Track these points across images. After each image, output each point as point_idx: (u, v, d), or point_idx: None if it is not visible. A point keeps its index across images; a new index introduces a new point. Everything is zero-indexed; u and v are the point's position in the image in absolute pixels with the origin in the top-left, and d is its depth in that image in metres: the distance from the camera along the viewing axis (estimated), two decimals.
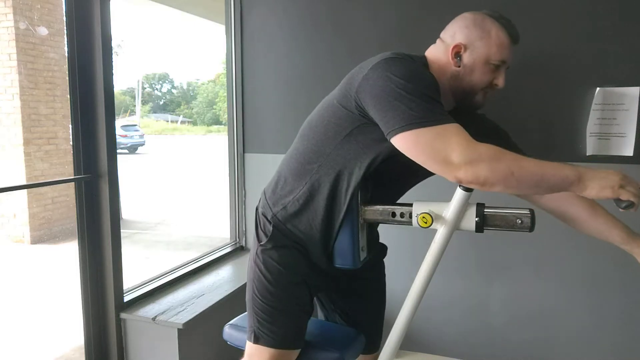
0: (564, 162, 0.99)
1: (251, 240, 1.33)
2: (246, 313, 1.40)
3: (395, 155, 1.07)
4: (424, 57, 1.20)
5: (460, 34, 1.15)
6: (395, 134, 0.99)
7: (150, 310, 1.62)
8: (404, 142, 0.99)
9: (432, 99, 1.01)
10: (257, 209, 1.28)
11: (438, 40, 1.21)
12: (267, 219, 1.22)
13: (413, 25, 1.95)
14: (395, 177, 1.24)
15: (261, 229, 1.23)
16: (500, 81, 1.16)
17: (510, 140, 1.35)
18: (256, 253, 1.22)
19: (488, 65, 1.14)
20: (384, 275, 1.45)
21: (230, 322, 1.39)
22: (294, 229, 1.20)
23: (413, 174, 1.21)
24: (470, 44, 1.13)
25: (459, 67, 1.15)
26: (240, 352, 1.37)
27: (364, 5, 1.99)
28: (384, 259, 1.46)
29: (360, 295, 1.38)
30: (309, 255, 1.22)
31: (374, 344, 1.41)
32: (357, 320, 1.37)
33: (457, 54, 1.14)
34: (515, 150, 1.27)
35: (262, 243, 1.20)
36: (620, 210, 0.98)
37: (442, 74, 1.16)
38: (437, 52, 1.19)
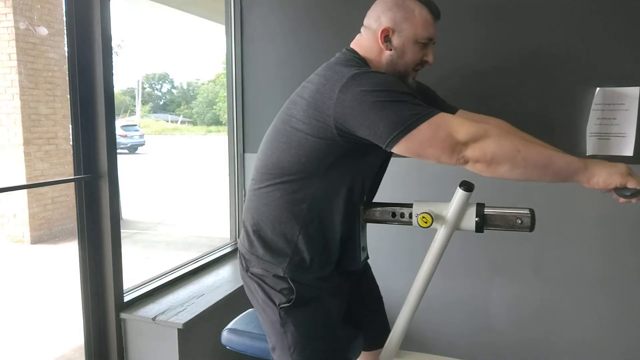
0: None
1: (250, 297, 1.26)
2: (245, 313, 1.40)
3: (377, 160, 1.10)
4: (357, 54, 1.19)
5: (385, 17, 1.15)
6: (396, 142, 0.99)
7: (150, 310, 1.62)
8: (407, 146, 0.99)
9: (410, 95, 1.02)
10: (246, 270, 1.21)
11: (363, 29, 1.21)
12: (276, 278, 1.15)
13: None
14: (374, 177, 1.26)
15: (270, 288, 1.16)
16: (430, 57, 1.19)
17: (438, 96, 1.42)
18: (280, 317, 1.14)
19: (417, 44, 1.16)
20: (371, 270, 1.45)
21: (228, 326, 1.38)
22: (313, 269, 1.16)
23: (382, 170, 1.29)
24: (396, 26, 1.15)
25: (391, 50, 1.16)
26: (240, 355, 1.36)
27: (364, 5, 1.98)
28: (382, 260, 1.46)
29: (359, 296, 1.38)
30: (328, 277, 1.21)
31: (383, 338, 1.40)
32: (360, 320, 1.37)
33: (386, 37, 1.15)
34: (446, 106, 1.38)
35: (282, 305, 1.14)
36: (621, 200, 0.98)
37: (379, 63, 1.18)
38: (367, 43, 1.19)
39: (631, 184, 0.94)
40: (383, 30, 1.15)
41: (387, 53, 1.16)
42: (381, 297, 1.44)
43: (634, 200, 0.96)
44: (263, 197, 1.16)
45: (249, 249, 1.19)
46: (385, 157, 1.26)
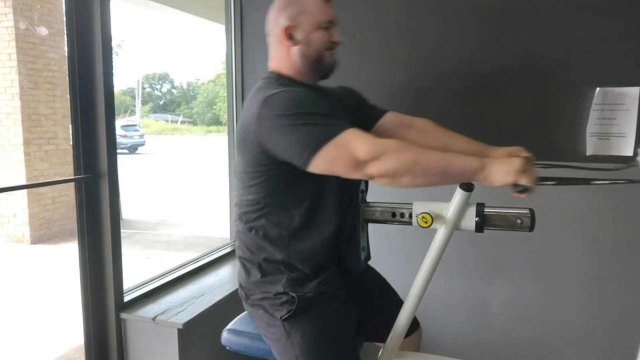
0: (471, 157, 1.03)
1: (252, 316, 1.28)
2: (245, 314, 1.40)
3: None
4: (274, 72, 1.24)
5: (282, 18, 1.20)
6: (309, 162, 1.03)
7: (150, 310, 1.62)
8: (318, 165, 1.03)
9: (317, 114, 1.06)
10: (246, 299, 1.25)
11: (268, 40, 1.26)
12: (277, 295, 1.17)
13: (413, 24, 1.95)
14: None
15: (272, 307, 1.18)
16: (336, 37, 1.23)
17: (365, 99, 1.46)
18: (285, 331, 1.16)
19: (319, 30, 1.20)
20: (374, 270, 1.46)
21: (228, 326, 1.39)
22: (311, 278, 1.18)
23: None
24: (294, 21, 1.19)
25: (297, 45, 1.20)
26: (240, 356, 1.37)
27: (364, 5, 1.99)
28: (382, 260, 1.46)
29: (368, 295, 1.38)
30: (329, 281, 1.21)
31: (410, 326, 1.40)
32: (378, 317, 1.36)
33: (289, 35, 1.19)
34: (374, 110, 1.42)
35: (284, 317, 1.16)
36: (513, 195, 1.02)
37: (292, 61, 1.22)
38: (274, 50, 1.25)
39: (522, 181, 0.97)
40: (284, 30, 1.19)
41: (295, 48, 1.20)
42: (393, 291, 1.44)
43: (522, 196, 1.00)
44: (247, 232, 1.22)
45: (247, 277, 1.23)
46: None
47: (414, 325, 1.42)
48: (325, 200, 1.17)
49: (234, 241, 2.32)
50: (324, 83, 1.31)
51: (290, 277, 1.17)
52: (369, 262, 1.41)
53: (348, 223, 1.22)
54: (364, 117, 1.39)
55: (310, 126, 1.03)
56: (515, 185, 0.99)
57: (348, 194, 1.23)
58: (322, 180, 1.14)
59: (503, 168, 0.98)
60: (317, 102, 1.13)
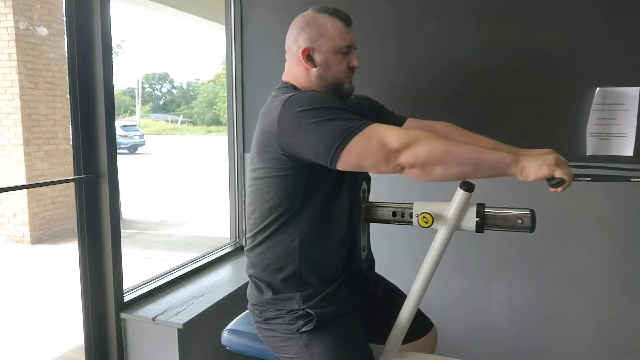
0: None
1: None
2: (245, 314, 1.40)
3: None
4: (289, 84, 1.24)
5: (301, 39, 1.20)
6: (336, 159, 1.01)
7: (150, 310, 1.62)
8: (346, 160, 1.01)
9: (340, 109, 1.05)
10: (260, 315, 1.23)
11: (286, 55, 1.26)
12: (292, 311, 1.17)
13: (413, 25, 1.95)
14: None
15: (288, 323, 1.17)
16: (354, 62, 1.23)
17: (383, 107, 1.48)
18: (304, 344, 1.15)
19: (338, 54, 1.20)
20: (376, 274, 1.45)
21: (228, 326, 1.39)
22: (324, 290, 1.18)
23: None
24: (314, 44, 1.19)
25: (316, 67, 1.20)
26: (240, 356, 1.36)
27: (364, 5, 1.99)
28: (382, 260, 1.46)
29: (377, 301, 1.38)
30: (340, 292, 1.21)
31: (423, 326, 1.42)
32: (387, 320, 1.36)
33: (308, 57, 1.20)
34: (394, 117, 1.44)
35: (303, 330, 1.15)
36: (550, 189, 1.01)
37: (310, 82, 1.22)
38: (293, 67, 1.24)
39: (557, 174, 0.96)
40: (303, 51, 1.20)
41: (313, 70, 1.21)
42: (400, 293, 1.43)
43: (559, 189, 0.99)
44: (260, 248, 1.21)
45: (259, 296, 1.22)
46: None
47: (427, 326, 1.43)
48: (338, 205, 1.17)
49: (234, 241, 2.34)
50: None
51: (304, 294, 1.17)
52: (374, 264, 1.41)
53: (352, 223, 1.22)
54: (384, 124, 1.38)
55: (336, 121, 1.01)
56: (550, 179, 0.98)
57: (354, 196, 1.23)
58: (337, 185, 1.15)
59: (537, 162, 0.97)
60: (338, 101, 1.11)
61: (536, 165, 0.96)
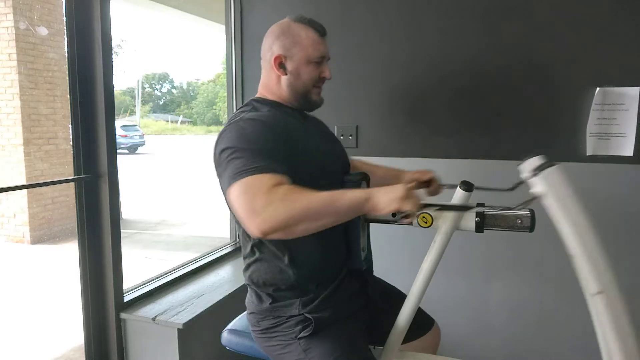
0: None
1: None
2: (244, 314, 1.40)
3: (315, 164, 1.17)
4: (259, 98, 1.26)
5: (275, 46, 1.22)
6: (227, 194, 1.03)
7: (150, 310, 1.62)
8: (229, 198, 1.03)
9: (255, 149, 1.04)
10: (258, 324, 1.23)
11: (262, 62, 1.28)
12: (291, 317, 1.17)
13: (413, 25, 1.96)
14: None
15: (287, 329, 1.17)
16: (326, 73, 1.25)
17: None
18: (302, 349, 1.14)
19: (310, 64, 1.21)
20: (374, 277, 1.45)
21: (228, 326, 1.39)
22: (322, 294, 1.18)
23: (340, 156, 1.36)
24: (287, 52, 1.21)
25: (287, 74, 1.22)
26: (240, 356, 1.36)
27: (365, 5, 1.99)
28: (382, 260, 1.46)
29: (377, 304, 1.37)
30: (339, 294, 1.22)
31: (424, 325, 1.42)
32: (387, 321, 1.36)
33: (280, 64, 1.21)
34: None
35: (301, 336, 1.15)
36: (397, 222, 1.08)
37: (280, 89, 1.24)
38: (266, 74, 1.27)
39: (405, 207, 0.98)
40: (276, 58, 1.21)
41: (284, 78, 1.23)
42: (399, 293, 1.43)
43: (407, 220, 1.06)
44: (252, 269, 1.23)
45: (259, 304, 1.22)
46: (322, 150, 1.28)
47: (429, 324, 1.42)
48: None
49: (234, 241, 2.33)
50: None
51: (303, 300, 1.17)
52: (372, 265, 1.40)
53: (350, 224, 1.22)
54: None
55: (244, 159, 1.02)
56: (399, 212, 1.02)
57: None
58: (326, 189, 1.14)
59: (387, 197, 0.98)
60: (266, 138, 1.09)
61: (386, 200, 0.98)
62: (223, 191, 1.08)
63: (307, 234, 1.00)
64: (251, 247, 1.21)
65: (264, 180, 0.99)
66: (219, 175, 1.09)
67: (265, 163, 1.01)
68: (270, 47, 1.23)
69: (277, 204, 0.95)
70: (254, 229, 0.96)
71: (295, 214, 0.96)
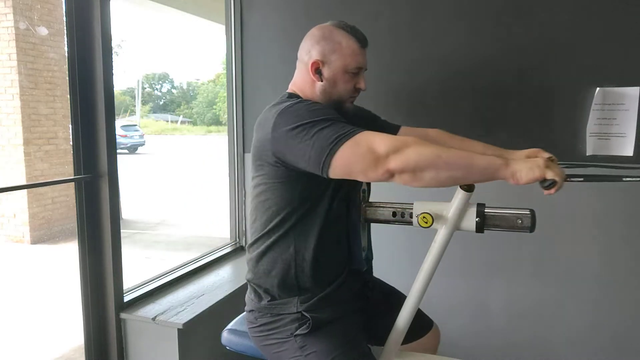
0: None
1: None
2: (244, 314, 1.40)
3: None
4: (292, 93, 1.24)
5: (314, 50, 1.19)
6: (327, 166, 1.01)
7: (150, 310, 1.62)
8: (336, 167, 1.01)
9: (332, 118, 1.04)
10: (255, 321, 1.23)
11: (297, 63, 1.26)
12: (289, 314, 1.17)
13: (412, 26, 1.95)
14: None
15: (284, 327, 1.18)
16: (362, 85, 1.23)
17: (377, 116, 1.49)
18: (299, 347, 1.14)
19: (347, 73, 1.19)
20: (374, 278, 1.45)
21: (228, 326, 1.39)
22: (322, 293, 1.18)
23: None
24: (325, 58, 1.18)
25: (322, 81, 1.20)
26: (240, 356, 1.36)
27: (365, 6, 1.99)
28: (382, 260, 1.46)
29: (376, 305, 1.37)
30: (338, 293, 1.21)
31: (424, 326, 1.42)
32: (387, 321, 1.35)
33: (317, 70, 1.19)
34: (387, 125, 1.44)
35: (298, 333, 1.15)
36: (544, 192, 1.01)
37: (314, 94, 1.22)
38: (300, 76, 1.24)
39: (549, 176, 0.96)
40: (313, 63, 1.19)
41: (319, 84, 1.20)
42: (398, 294, 1.44)
43: (552, 191, 0.99)
44: (255, 257, 1.22)
45: (257, 302, 1.22)
46: None
47: (428, 325, 1.42)
48: (336, 208, 1.17)
49: (234, 241, 2.34)
50: None
51: (302, 298, 1.17)
52: (372, 265, 1.40)
53: (351, 223, 1.22)
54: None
55: (326, 129, 1.01)
56: (542, 181, 0.98)
57: (354, 197, 1.23)
58: (335, 189, 1.15)
59: (527, 165, 0.96)
60: (329, 110, 1.11)
61: (527, 168, 0.96)
62: (310, 161, 1.03)
63: (435, 185, 0.98)
64: (265, 233, 1.19)
65: (373, 133, 1.01)
66: (291, 149, 1.06)
67: (352, 126, 1.03)
68: (308, 51, 1.20)
69: (405, 149, 0.96)
70: (382, 170, 0.97)
71: (425, 158, 0.96)
